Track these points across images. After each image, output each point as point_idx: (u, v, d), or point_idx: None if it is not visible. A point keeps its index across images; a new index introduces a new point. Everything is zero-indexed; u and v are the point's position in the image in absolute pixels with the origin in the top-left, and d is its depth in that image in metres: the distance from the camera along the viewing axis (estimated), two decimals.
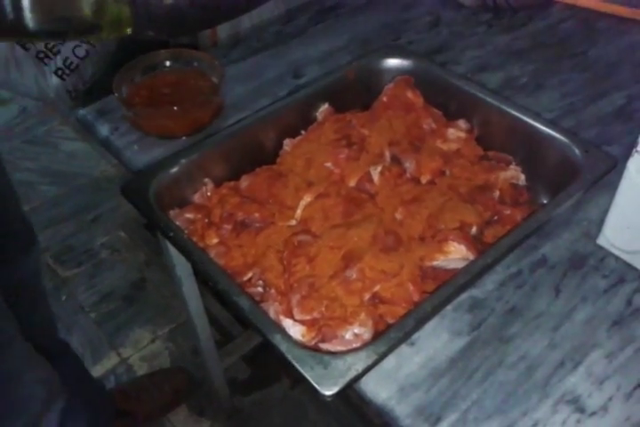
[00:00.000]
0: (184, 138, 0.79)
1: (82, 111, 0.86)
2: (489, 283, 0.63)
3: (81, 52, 1.44)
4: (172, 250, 0.88)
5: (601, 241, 0.66)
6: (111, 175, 1.83)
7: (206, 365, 1.21)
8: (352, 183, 0.72)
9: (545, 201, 0.73)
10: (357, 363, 0.51)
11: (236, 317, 1.46)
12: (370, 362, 0.51)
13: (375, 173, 0.72)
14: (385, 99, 0.80)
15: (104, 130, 0.82)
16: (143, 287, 1.58)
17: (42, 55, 1.42)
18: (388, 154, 0.75)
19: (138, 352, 1.45)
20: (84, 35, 0.53)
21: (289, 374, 1.38)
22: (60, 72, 1.44)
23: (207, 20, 1.10)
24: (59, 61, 1.43)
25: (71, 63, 1.44)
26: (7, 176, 0.93)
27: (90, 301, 1.55)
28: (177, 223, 0.67)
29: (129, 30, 0.53)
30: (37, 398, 0.83)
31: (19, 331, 0.79)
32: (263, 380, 1.38)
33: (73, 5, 0.48)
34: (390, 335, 0.52)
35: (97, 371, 1.40)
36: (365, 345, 0.52)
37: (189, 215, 0.68)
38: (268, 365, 1.39)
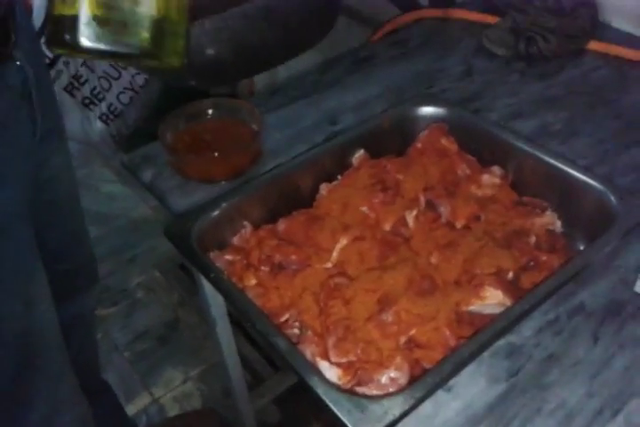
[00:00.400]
0: (224, 183, 0.82)
1: (128, 156, 0.89)
2: (526, 329, 0.63)
3: (125, 98, 1.51)
4: (208, 291, 0.90)
5: (638, 288, 0.65)
6: (149, 217, 1.88)
7: (237, 407, 1.21)
8: (387, 227, 0.74)
9: (581, 247, 0.73)
10: (394, 407, 0.51)
11: (268, 358, 1.45)
12: (407, 407, 0.51)
13: (410, 218, 0.73)
14: (419, 145, 0.82)
15: (148, 174, 0.85)
16: (176, 328, 1.59)
17: (87, 101, 1.49)
18: (422, 199, 0.76)
19: (170, 392, 1.45)
20: (140, 60, 0.58)
21: (319, 419, 1.36)
22: (104, 117, 1.51)
23: (246, 70, 1.15)
24: (103, 107, 1.50)
25: (115, 109, 1.51)
26: (82, 211, 0.95)
27: (124, 340, 1.57)
28: (217, 265, 0.69)
29: (184, 61, 0.58)
30: None
31: (70, 367, 0.80)
32: (293, 423, 1.37)
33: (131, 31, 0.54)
34: (427, 380, 0.52)
35: (129, 410, 1.40)
36: (402, 390, 0.52)
37: (229, 257, 0.70)
38: (299, 408, 1.38)
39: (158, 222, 1.84)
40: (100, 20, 0.52)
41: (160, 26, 0.54)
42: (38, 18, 0.78)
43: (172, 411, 1.41)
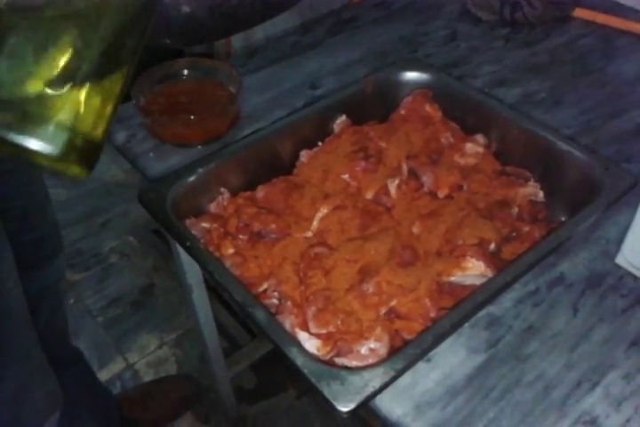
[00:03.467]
0: (200, 147, 0.79)
1: None
2: (506, 300, 0.63)
3: None
4: (184, 257, 0.88)
5: (619, 260, 0.65)
6: (122, 180, 1.84)
7: (213, 373, 1.21)
8: (369, 196, 0.72)
9: (563, 218, 0.72)
10: (374, 379, 0.50)
11: (245, 325, 1.45)
12: (387, 379, 0.50)
13: (392, 186, 0.72)
14: (403, 111, 0.80)
15: (121, 136, 0.82)
16: (151, 293, 1.58)
17: None
18: (405, 167, 0.74)
19: (144, 358, 1.45)
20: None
21: (295, 385, 1.37)
22: None
23: (224, 30, 1.11)
24: None
25: None
26: (43, 180, 0.92)
27: (97, 305, 1.55)
28: (193, 232, 0.67)
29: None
30: (40, 412, 0.82)
31: (37, 342, 0.78)
32: (269, 389, 1.37)
33: None
34: (408, 352, 0.52)
35: (103, 375, 1.40)
36: (383, 361, 0.52)
37: (205, 225, 0.68)
38: (275, 374, 1.38)
39: (132, 186, 1.80)
40: None
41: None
42: None
43: (147, 377, 1.40)
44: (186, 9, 1.02)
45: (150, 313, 1.53)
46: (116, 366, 1.43)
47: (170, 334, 1.48)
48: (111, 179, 1.85)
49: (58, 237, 0.99)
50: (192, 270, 0.92)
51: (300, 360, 0.51)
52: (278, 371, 1.38)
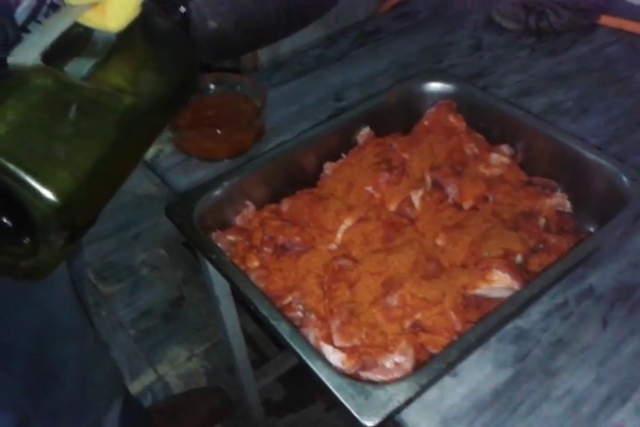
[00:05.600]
0: (226, 160, 0.80)
1: None
2: (534, 313, 0.62)
3: None
4: (211, 270, 0.89)
5: None
6: (153, 193, 1.86)
7: (241, 385, 1.21)
8: (392, 208, 0.72)
9: (591, 229, 0.71)
10: (399, 394, 0.50)
11: (273, 337, 1.45)
12: (412, 393, 0.50)
13: (416, 198, 0.72)
14: (426, 123, 0.80)
15: (150, 151, 0.84)
16: (181, 305, 1.59)
17: None
18: (429, 178, 0.74)
19: (174, 370, 1.46)
20: None
21: (324, 397, 1.36)
22: None
23: (250, 44, 1.12)
24: None
25: None
26: None
27: (129, 317, 1.57)
28: (219, 245, 0.67)
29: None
30: (104, 395, 0.83)
31: (88, 323, 0.80)
32: (298, 402, 1.37)
33: None
34: (433, 366, 0.51)
35: (135, 387, 1.41)
36: (407, 376, 0.51)
37: (231, 238, 0.69)
38: (304, 386, 1.38)
39: (162, 199, 1.83)
40: None
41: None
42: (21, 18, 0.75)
43: (177, 388, 1.41)
44: (212, 24, 1.04)
45: (180, 325, 1.54)
46: (147, 378, 1.44)
47: (199, 346, 1.49)
48: (142, 192, 1.88)
49: None
50: (220, 283, 0.93)
51: (324, 374, 0.51)
52: (307, 383, 1.37)
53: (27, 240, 0.43)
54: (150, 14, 0.49)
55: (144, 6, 0.47)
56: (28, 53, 0.42)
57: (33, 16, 0.75)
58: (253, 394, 1.25)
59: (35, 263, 0.44)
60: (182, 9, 0.54)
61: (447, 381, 0.56)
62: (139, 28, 0.47)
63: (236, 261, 0.66)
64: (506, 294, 0.61)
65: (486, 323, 0.55)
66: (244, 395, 1.25)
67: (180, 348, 1.49)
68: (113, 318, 1.57)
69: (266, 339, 1.45)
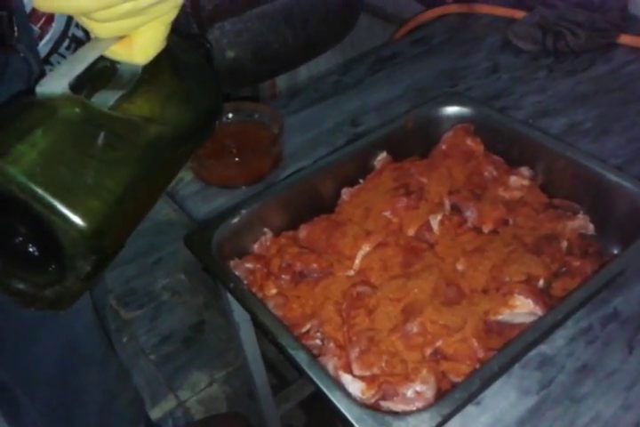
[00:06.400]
0: (244, 188, 0.80)
1: None
2: (558, 338, 0.61)
3: None
4: (230, 296, 0.88)
5: None
6: (173, 219, 1.88)
7: (262, 410, 1.20)
8: (411, 232, 0.71)
9: (615, 251, 0.70)
10: (420, 425, 0.49)
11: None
12: (434, 424, 0.49)
13: (435, 222, 0.71)
14: (444, 147, 0.80)
15: None
16: (202, 330, 1.59)
17: None
18: (447, 202, 0.74)
19: (195, 395, 1.45)
20: None
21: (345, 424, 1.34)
22: None
23: (268, 72, 1.14)
24: None
25: None
26: None
27: (150, 343, 1.57)
28: (237, 273, 0.67)
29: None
30: (128, 419, 0.84)
31: (111, 347, 0.81)
32: None
33: None
34: (455, 396, 0.50)
35: (155, 413, 1.41)
36: (429, 406, 0.50)
37: (249, 265, 0.69)
38: (324, 412, 1.36)
39: (182, 225, 1.84)
40: None
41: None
42: (43, 52, 0.77)
43: (198, 414, 1.40)
44: (230, 54, 1.06)
45: (201, 350, 1.54)
46: (168, 403, 1.44)
47: (220, 372, 1.48)
48: (163, 218, 1.89)
49: None
50: (239, 309, 0.92)
51: (343, 405, 0.51)
52: (328, 409, 1.35)
53: (52, 268, 0.43)
54: (175, 47, 0.50)
55: (169, 39, 0.48)
56: (56, 83, 0.43)
57: (55, 49, 0.77)
58: (274, 420, 1.24)
59: (59, 292, 0.44)
60: (207, 45, 0.55)
61: (470, 409, 0.55)
62: (164, 60, 0.48)
63: (254, 289, 0.66)
64: (529, 319, 0.60)
65: (509, 351, 0.54)
66: (264, 421, 1.23)
67: (201, 373, 1.49)
68: (134, 343, 1.57)
69: (286, 364, 1.44)
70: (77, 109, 0.43)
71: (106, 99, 0.45)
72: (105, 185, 0.42)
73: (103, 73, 0.47)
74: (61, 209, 0.40)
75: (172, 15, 0.45)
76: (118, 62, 0.47)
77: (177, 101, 0.49)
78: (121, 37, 0.45)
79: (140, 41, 0.45)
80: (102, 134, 0.43)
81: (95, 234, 0.42)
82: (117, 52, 0.46)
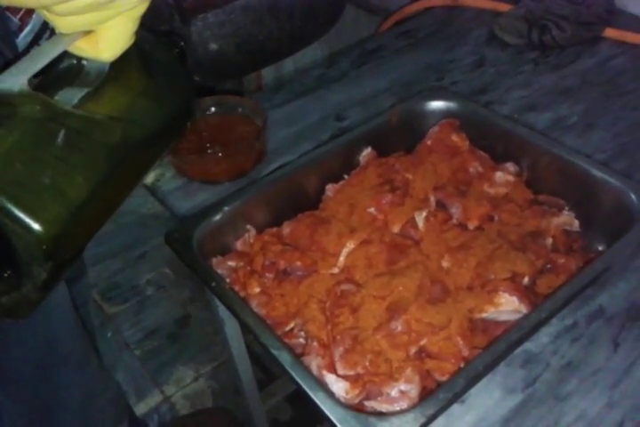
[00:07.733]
0: (227, 183, 0.79)
1: None
2: (543, 336, 0.61)
3: None
4: None
5: None
6: (158, 213, 1.86)
7: (248, 405, 1.19)
8: (396, 229, 0.71)
9: (600, 248, 0.69)
10: (404, 425, 0.48)
11: None
12: (417, 425, 0.48)
13: (420, 219, 0.70)
14: (429, 142, 0.79)
15: (150, 176, 0.83)
16: (187, 324, 1.58)
17: None
18: (432, 199, 0.73)
19: (181, 390, 1.45)
20: None
21: None
22: None
23: (252, 64, 1.12)
24: None
25: None
26: None
27: (135, 337, 1.56)
28: (219, 271, 0.66)
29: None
30: (110, 418, 0.83)
31: (92, 347, 0.80)
32: (305, 422, 1.35)
33: None
34: (439, 396, 0.50)
35: (141, 409, 1.40)
36: (413, 407, 0.50)
37: (231, 263, 0.68)
38: (310, 406, 1.36)
39: (167, 218, 1.82)
40: None
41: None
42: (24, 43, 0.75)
43: (184, 409, 1.40)
44: (213, 46, 1.04)
45: (186, 345, 1.53)
46: (154, 398, 1.43)
47: (205, 366, 1.48)
48: (147, 211, 1.87)
49: (80, 259, 1.01)
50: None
51: (326, 406, 0.50)
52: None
53: (7, 274, 0.42)
54: (145, 43, 0.48)
55: (138, 35, 0.46)
56: (14, 79, 0.41)
57: (36, 41, 0.75)
58: (260, 414, 1.23)
59: (16, 299, 0.42)
60: (182, 43, 0.53)
61: (454, 408, 0.55)
62: (133, 57, 0.46)
63: (237, 288, 0.65)
64: (514, 317, 0.60)
65: (494, 349, 0.53)
66: (250, 415, 1.23)
67: (186, 368, 1.48)
68: (119, 338, 1.56)
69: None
70: (38, 107, 0.41)
71: (70, 97, 0.43)
72: (65, 187, 0.40)
73: (69, 70, 0.45)
74: (15, 212, 0.38)
75: (141, 9, 0.43)
76: (85, 59, 0.45)
77: (146, 100, 0.47)
78: (87, 33, 0.43)
79: (106, 37, 0.43)
80: (64, 133, 0.41)
81: (52, 239, 0.39)
82: (83, 49, 0.44)
